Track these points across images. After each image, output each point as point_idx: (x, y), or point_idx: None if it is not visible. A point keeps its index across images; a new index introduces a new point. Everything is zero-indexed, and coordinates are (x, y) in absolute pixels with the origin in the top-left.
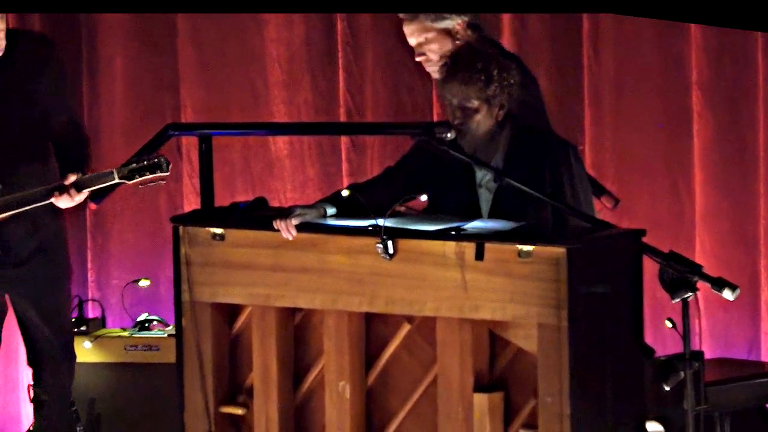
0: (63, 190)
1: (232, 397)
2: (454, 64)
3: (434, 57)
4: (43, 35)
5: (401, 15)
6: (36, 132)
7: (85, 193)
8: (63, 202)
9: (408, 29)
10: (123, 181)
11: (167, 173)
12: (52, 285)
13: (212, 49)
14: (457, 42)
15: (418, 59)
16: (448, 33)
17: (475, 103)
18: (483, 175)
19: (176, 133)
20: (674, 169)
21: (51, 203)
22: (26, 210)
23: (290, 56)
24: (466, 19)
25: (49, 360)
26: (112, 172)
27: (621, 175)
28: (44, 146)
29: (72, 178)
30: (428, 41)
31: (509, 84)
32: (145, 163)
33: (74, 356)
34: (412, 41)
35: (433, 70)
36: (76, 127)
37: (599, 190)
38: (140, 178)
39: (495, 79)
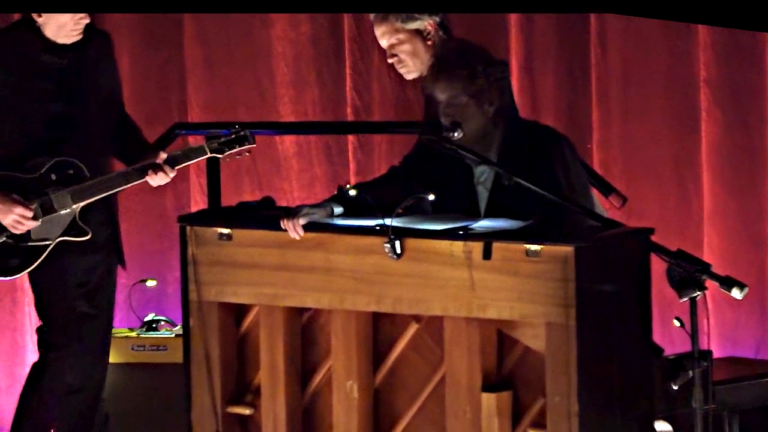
0: (158, 168)
1: (240, 397)
2: (439, 63)
3: (406, 58)
4: (100, 28)
5: (371, 16)
6: (104, 120)
7: (176, 170)
8: (158, 180)
9: (379, 31)
10: (214, 155)
11: (254, 144)
12: (110, 277)
13: (219, 47)
14: (428, 43)
15: (390, 61)
16: (419, 34)
17: (463, 99)
18: (481, 173)
19: (183, 132)
20: (682, 167)
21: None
22: (117, 191)
23: (297, 55)
24: (437, 19)
25: (90, 351)
26: (203, 147)
27: (629, 174)
28: (109, 135)
29: (163, 156)
30: (400, 42)
31: (497, 79)
32: (233, 136)
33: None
34: (384, 43)
35: (405, 72)
36: (129, 116)
37: (607, 189)
38: (229, 152)
39: (480, 74)
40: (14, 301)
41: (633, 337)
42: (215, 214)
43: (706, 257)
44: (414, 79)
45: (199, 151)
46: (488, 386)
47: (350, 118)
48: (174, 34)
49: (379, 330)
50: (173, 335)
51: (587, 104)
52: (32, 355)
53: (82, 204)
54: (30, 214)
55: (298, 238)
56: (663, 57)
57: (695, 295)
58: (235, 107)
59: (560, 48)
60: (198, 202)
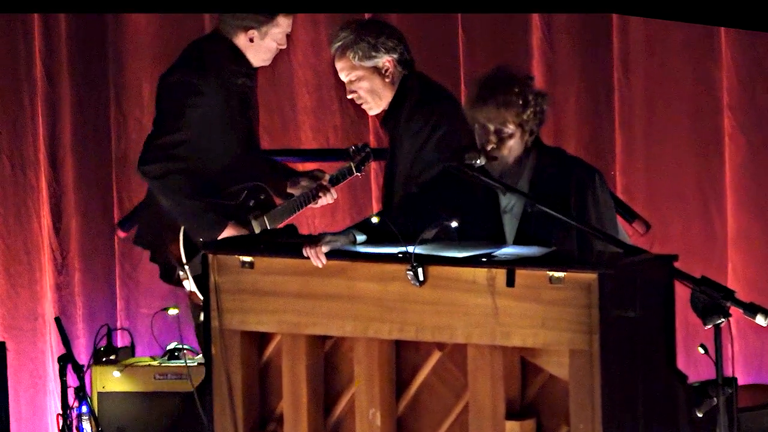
0: (327, 189)
1: (262, 425)
2: (488, 86)
3: (365, 95)
4: None
5: (332, 51)
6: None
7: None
8: (327, 200)
9: (338, 66)
10: (356, 173)
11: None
12: None
13: None
14: (387, 80)
15: (349, 96)
16: (377, 71)
17: (511, 128)
18: (508, 201)
19: None
20: (706, 192)
21: None
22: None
23: (318, 81)
24: (395, 56)
25: None
26: (351, 166)
27: (652, 199)
28: None
29: (327, 176)
30: (358, 79)
31: (541, 111)
32: (363, 154)
33: None
34: (343, 77)
35: (367, 108)
36: None
37: (630, 216)
38: (364, 168)
39: (531, 104)
40: (35, 330)
41: (657, 364)
42: (238, 241)
43: (730, 283)
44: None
45: (350, 170)
46: (512, 414)
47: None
48: None
49: (402, 357)
50: (195, 363)
51: (610, 130)
52: (53, 384)
53: (274, 228)
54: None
55: (320, 265)
56: (686, 82)
57: (719, 321)
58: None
59: (583, 73)
60: None
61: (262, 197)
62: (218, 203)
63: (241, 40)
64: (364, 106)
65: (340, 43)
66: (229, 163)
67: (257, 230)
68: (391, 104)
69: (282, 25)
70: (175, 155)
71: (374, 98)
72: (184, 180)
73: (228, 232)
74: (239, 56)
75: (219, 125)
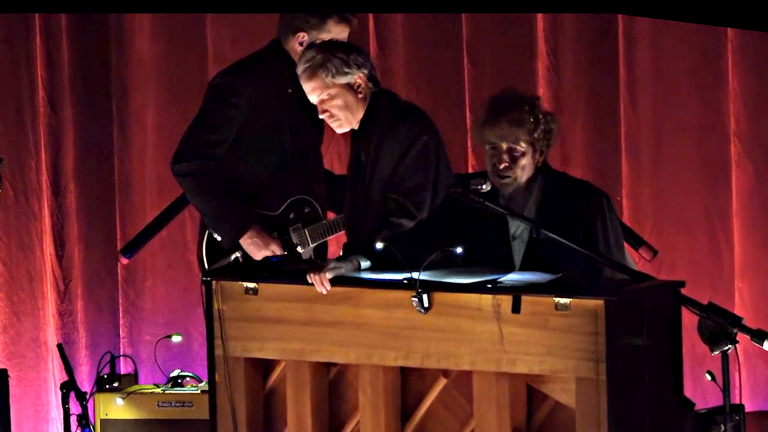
0: None
1: None
2: (498, 106)
3: (338, 113)
4: None
5: (299, 71)
6: (320, 157)
7: None
8: None
9: (309, 86)
10: None
11: None
12: None
13: None
14: (359, 96)
15: (321, 116)
16: (350, 87)
17: (523, 146)
18: (517, 227)
19: None
20: (713, 219)
21: None
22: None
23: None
24: (366, 72)
25: None
26: None
27: (659, 226)
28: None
29: None
30: (331, 97)
31: (550, 131)
32: None
33: None
34: (314, 98)
35: (337, 126)
36: None
37: (637, 242)
38: None
39: (541, 122)
40: (38, 358)
41: (664, 391)
42: (241, 268)
43: (737, 310)
44: (445, 133)
45: None
46: None
47: None
48: (199, 88)
49: (408, 385)
50: (199, 391)
51: (617, 156)
52: (56, 412)
53: (317, 243)
54: (281, 252)
55: (325, 292)
56: (693, 109)
57: (727, 348)
58: None
59: (589, 100)
60: None
61: (306, 210)
62: (247, 207)
63: (292, 45)
64: (334, 124)
65: (308, 64)
66: (273, 174)
67: (296, 242)
68: (363, 119)
69: (333, 32)
70: (209, 155)
71: (347, 115)
72: (214, 180)
73: (250, 236)
74: (291, 64)
75: (262, 131)
